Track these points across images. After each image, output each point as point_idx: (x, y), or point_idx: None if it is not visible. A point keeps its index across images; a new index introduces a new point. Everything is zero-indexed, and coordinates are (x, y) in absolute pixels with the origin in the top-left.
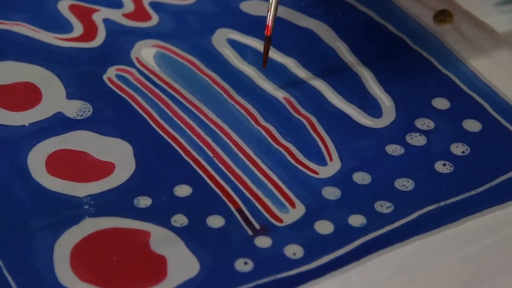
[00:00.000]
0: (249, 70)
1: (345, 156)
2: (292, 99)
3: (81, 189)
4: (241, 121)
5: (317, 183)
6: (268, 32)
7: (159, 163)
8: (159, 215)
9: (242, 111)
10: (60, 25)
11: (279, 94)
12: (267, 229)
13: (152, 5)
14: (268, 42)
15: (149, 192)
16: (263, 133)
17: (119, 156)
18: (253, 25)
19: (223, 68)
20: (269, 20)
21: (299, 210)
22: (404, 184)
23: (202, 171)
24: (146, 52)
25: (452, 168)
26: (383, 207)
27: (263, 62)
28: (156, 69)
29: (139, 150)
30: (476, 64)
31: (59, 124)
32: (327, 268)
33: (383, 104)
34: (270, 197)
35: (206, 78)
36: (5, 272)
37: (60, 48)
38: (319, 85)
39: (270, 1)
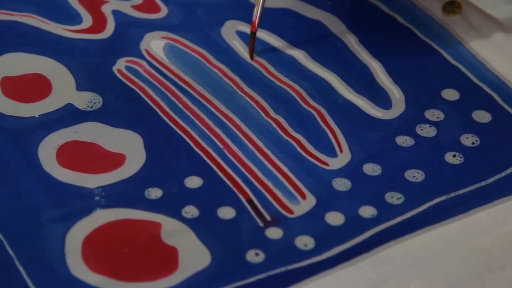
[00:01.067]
0: (259, 62)
1: (355, 148)
2: (302, 91)
3: (92, 181)
4: (251, 113)
5: (328, 174)
6: (253, 28)
7: (169, 155)
8: (170, 206)
9: (252, 103)
10: (69, 16)
11: (289, 86)
12: (278, 220)
13: None
14: (253, 37)
15: (159, 184)
16: (273, 124)
17: (130, 148)
18: (262, 16)
19: (233, 60)
20: (256, 17)
21: (310, 201)
22: (415, 175)
23: (212, 163)
24: (155, 44)
25: (462, 159)
26: (394, 198)
27: (250, 55)
28: (166, 61)
29: (149, 141)
30: (485, 55)
31: (69, 115)
32: (338, 259)
33: (393, 95)
34: (280, 188)
35: (216, 70)
36: (17, 263)
37: (69, 40)
38: (329, 76)
39: None
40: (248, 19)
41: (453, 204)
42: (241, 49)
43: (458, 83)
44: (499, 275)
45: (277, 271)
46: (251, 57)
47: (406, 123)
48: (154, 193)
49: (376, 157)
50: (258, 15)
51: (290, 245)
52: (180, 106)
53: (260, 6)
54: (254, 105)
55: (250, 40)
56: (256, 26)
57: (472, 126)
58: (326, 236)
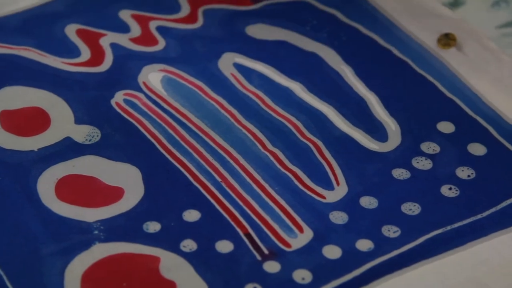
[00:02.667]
0: (256, 94)
1: (352, 181)
2: (299, 124)
3: (91, 214)
4: (249, 145)
5: (325, 207)
6: None
7: (167, 188)
8: (168, 240)
9: (249, 135)
10: (67, 49)
11: (286, 119)
12: (275, 254)
13: (159, 29)
14: None
15: (158, 217)
16: (271, 157)
17: (128, 181)
18: (259, 49)
19: (230, 93)
20: None
21: (307, 234)
22: (411, 208)
23: (210, 196)
24: (153, 76)
25: (458, 192)
26: (390, 231)
27: None
28: (164, 93)
29: (148, 175)
30: (480, 88)
31: (68, 149)
32: None
33: (389, 128)
34: (278, 221)
35: (213, 103)
36: None
37: (67, 73)
38: (325, 109)
39: None
40: (245, 51)
41: (450, 238)
42: (239, 82)
43: (453, 116)
44: None
45: None
46: None
47: (402, 156)
48: (153, 226)
49: (372, 190)
50: None
51: (288, 278)
52: (178, 139)
53: None
54: (252, 137)
55: None
56: None
57: (468, 159)
58: (324, 270)
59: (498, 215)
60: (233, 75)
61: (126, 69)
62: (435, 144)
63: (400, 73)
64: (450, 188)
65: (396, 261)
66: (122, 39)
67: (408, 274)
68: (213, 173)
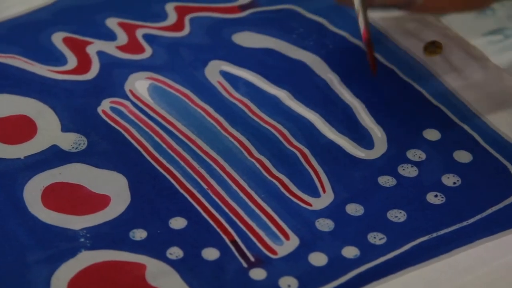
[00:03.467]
0: (242, 102)
1: (338, 188)
2: (285, 131)
3: (77, 222)
4: (235, 153)
5: (311, 214)
6: (364, 38)
7: (154, 196)
8: (154, 247)
9: (236, 143)
10: (54, 57)
11: (272, 126)
12: (261, 261)
13: (145, 37)
14: (369, 47)
15: (144, 225)
16: (257, 165)
17: (114, 189)
18: (245, 56)
19: (216, 100)
20: (361, 27)
21: (293, 242)
22: (397, 215)
23: (196, 204)
24: (140, 84)
25: (444, 199)
26: (376, 238)
27: (372, 68)
28: (150, 101)
29: (134, 182)
30: (466, 95)
31: (54, 157)
32: None
33: (375, 135)
34: (264, 229)
35: (200, 110)
36: None
37: (54, 81)
38: (312, 116)
39: (357, 8)
40: (231, 59)
41: (435, 245)
42: (225, 89)
43: (439, 123)
44: None
45: None
46: (374, 71)
47: (388, 163)
48: (139, 234)
49: (358, 197)
50: (362, 24)
51: (274, 286)
52: (165, 146)
53: (361, 14)
54: (238, 145)
55: (368, 51)
56: (365, 35)
57: (453, 166)
58: (310, 277)
59: (483, 222)
60: (219, 82)
61: (112, 77)
62: (421, 152)
63: (387, 80)
64: (436, 195)
65: (382, 268)
66: (109, 47)
67: (394, 281)
68: (199, 180)
